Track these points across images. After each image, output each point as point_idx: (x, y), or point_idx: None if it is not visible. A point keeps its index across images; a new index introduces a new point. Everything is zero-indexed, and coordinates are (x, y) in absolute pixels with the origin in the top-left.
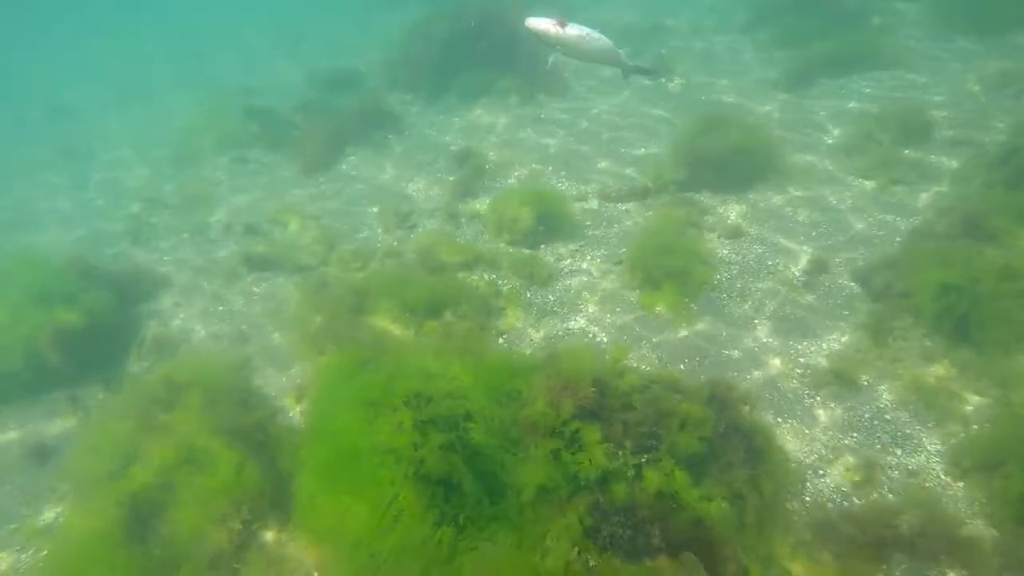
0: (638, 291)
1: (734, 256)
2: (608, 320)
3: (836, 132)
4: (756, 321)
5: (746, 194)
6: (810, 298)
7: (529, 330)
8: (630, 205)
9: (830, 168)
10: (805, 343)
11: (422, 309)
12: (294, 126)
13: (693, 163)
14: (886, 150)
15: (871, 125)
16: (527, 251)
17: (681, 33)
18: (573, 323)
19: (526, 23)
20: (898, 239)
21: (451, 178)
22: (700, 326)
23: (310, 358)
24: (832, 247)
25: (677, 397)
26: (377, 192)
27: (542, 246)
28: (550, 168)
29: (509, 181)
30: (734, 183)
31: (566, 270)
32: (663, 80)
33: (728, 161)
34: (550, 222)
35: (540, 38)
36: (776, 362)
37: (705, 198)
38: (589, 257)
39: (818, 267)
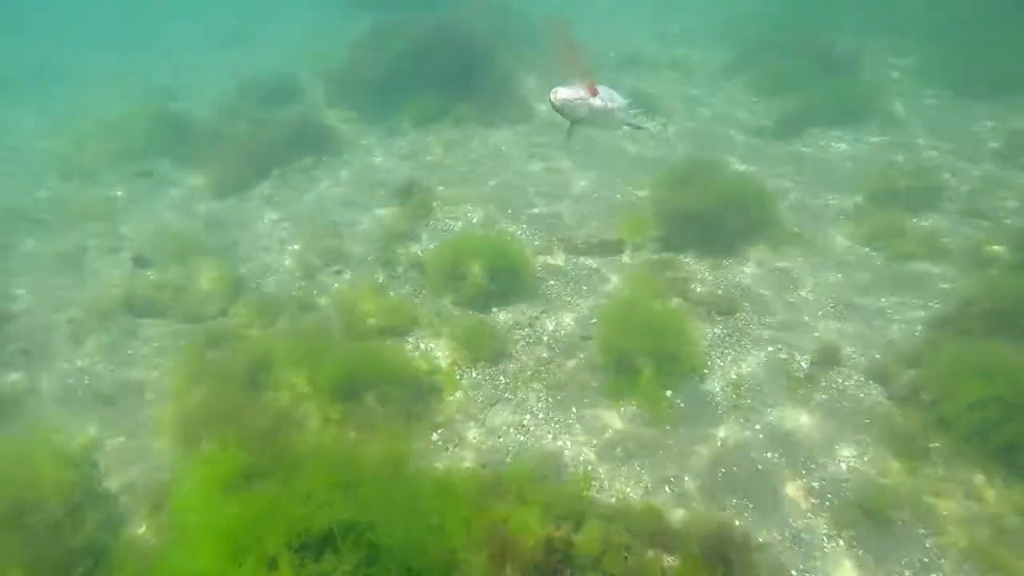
0: (610, 377)
1: (727, 337)
2: (573, 415)
3: (835, 192)
4: (756, 426)
5: (738, 258)
6: (820, 397)
7: (471, 426)
8: (602, 262)
9: (831, 233)
10: (819, 460)
11: (337, 388)
12: (215, 138)
13: (675, 216)
14: (893, 217)
15: (875, 186)
16: (475, 315)
17: (658, 67)
18: (528, 417)
19: (552, 97)
20: (919, 328)
21: (390, 215)
22: (685, 432)
23: (180, 450)
24: (842, 332)
25: (666, 559)
26: (301, 225)
27: (494, 309)
28: (509, 211)
29: (459, 224)
30: (724, 243)
31: (522, 343)
32: (649, 126)
33: (716, 217)
34: (506, 279)
35: (567, 112)
36: (788, 488)
37: (690, 260)
38: (551, 327)
39: (827, 358)
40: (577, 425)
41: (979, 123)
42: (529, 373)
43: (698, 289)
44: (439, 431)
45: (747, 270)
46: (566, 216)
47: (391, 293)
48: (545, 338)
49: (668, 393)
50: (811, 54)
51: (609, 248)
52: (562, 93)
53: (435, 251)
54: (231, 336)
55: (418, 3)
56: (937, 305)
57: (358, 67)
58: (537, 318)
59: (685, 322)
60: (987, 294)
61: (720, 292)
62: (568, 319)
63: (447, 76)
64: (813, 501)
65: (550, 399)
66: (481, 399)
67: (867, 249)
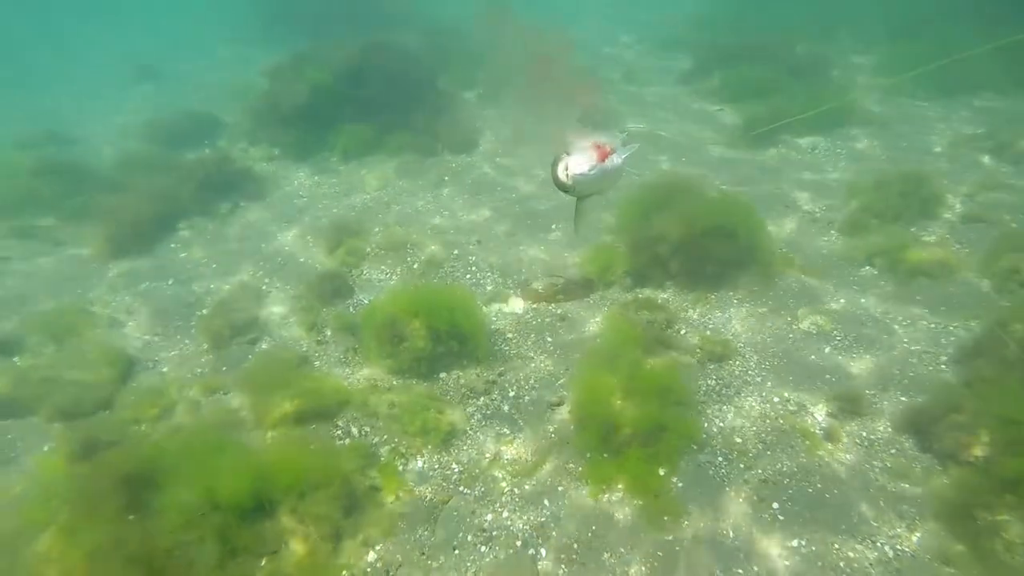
0: (589, 457)
1: (723, 390)
2: (547, 512)
3: (821, 203)
4: (775, 506)
5: (727, 291)
6: (847, 459)
7: (419, 537)
8: (568, 307)
9: (826, 252)
10: (856, 547)
11: (243, 504)
12: (114, 188)
13: (650, 247)
14: (892, 230)
15: (867, 197)
16: (419, 385)
17: (613, 81)
18: (491, 518)
19: (561, 173)
20: (944, 360)
21: (317, 266)
22: (688, 524)
23: None
24: (856, 371)
25: None
26: (213, 285)
27: (442, 375)
28: (455, 252)
29: (397, 273)
30: (709, 275)
31: (478, 416)
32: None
33: (698, 246)
34: (454, 337)
35: (581, 189)
36: None
37: (671, 297)
38: (513, 392)
39: (846, 408)
40: (553, 527)
41: (962, 123)
42: (488, 457)
43: (683, 332)
44: (377, 549)
45: (738, 304)
46: (522, 255)
47: (316, 364)
48: (506, 408)
49: (662, 472)
50: (773, 57)
51: (576, 289)
52: (576, 166)
53: (369, 309)
54: (110, 436)
55: (345, 27)
56: (960, 329)
57: (279, 100)
58: (494, 383)
59: (673, 375)
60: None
61: (709, 334)
62: (532, 381)
63: (380, 103)
64: None
65: (516, 490)
66: (429, 497)
67: (868, 267)
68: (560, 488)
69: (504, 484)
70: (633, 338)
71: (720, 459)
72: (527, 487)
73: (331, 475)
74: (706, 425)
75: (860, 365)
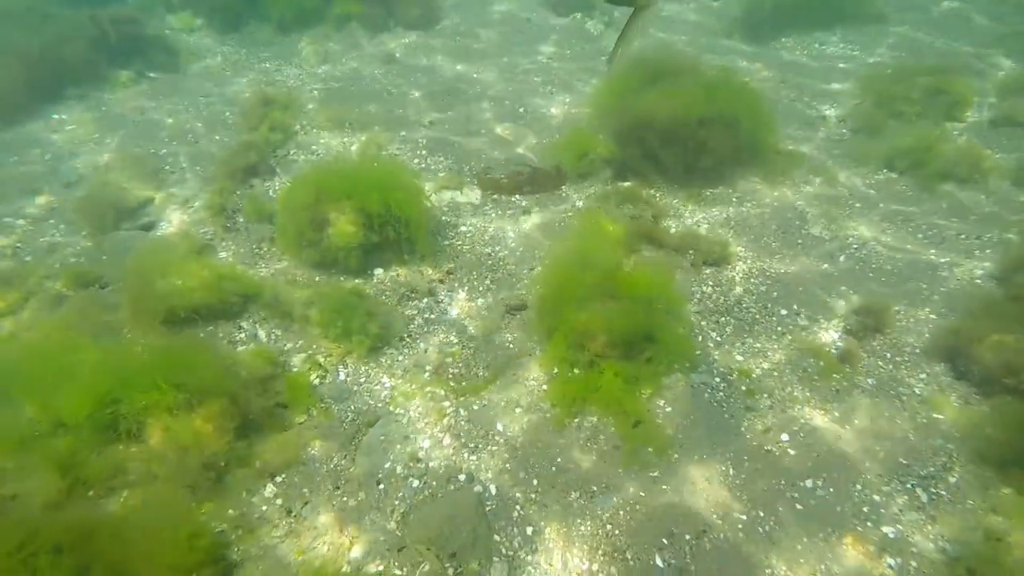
0: (555, 371)
1: (721, 299)
2: (500, 440)
3: (832, 101)
4: (784, 437)
5: (725, 188)
6: (867, 384)
7: (332, 465)
8: (533, 200)
9: (837, 152)
10: (882, 489)
11: (93, 421)
12: None
13: (636, 132)
14: (912, 129)
15: (884, 88)
16: (348, 281)
17: None
18: (428, 445)
19: None
20: (979, 276)
21: (234, 144)
22: (677, 458)
23: None
24: (875, 283)
25: None
26: (102, 161)
27: (377, 272)
28: (402, 133)
29: (330, 155)
30: (704, 168)
31: (419, 321)
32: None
33: (691, 134)
34: (394, 226)
35: None
36: (847, 541)
37: (659, 193)
38: (463, 295)
39: (865, 324)
40: (507, 459)
41: (993, 22)
42: (428, 371)
43: (673, 230)
44: (276, 481)
45: (737, 203)
46: (484, 139)
47: (223, 254)
48: (453, 312)
49: (647, 397)
50: None
51: (544, 179)
52: None
53: (289, 187)
54: None
55: None
56: (994, 241)
57: None
58: (441, 282)
59: (661, 278)
60: None
61: (704, 233)
62: (488, 282)
63: None
64: (889, 563)
65: (462, 412)
66: (351, 417)
67: (886, 171)
68: (517, 410)
69: (447, 404)
70: (614, 233)
71: (718, 380)
72: (475, 408)
73: (230, 382)
74: (701, 339)
75: (879, 277)
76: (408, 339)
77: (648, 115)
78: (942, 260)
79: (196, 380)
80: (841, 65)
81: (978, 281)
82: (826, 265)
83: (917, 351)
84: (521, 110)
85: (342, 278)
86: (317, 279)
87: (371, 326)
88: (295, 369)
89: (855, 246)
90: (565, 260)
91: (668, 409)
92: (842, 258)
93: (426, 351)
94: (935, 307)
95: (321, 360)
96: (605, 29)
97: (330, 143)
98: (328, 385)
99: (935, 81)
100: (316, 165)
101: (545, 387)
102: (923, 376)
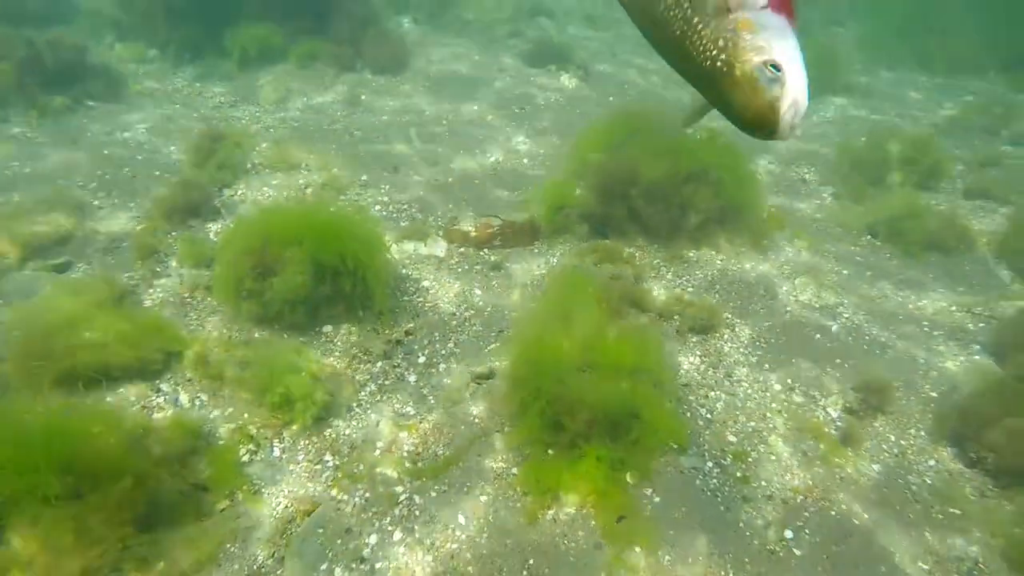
0: (527, 452)
1: (710, 371)
2: (462, 536)
3: (809, 164)
4: (788, 534)
5: (708, 251)
6: (872, 470)
7: (260, 566)
8: (506, 254)
9: (819, 216)
10: None
11: None
12: None
13: (617, 189)
14: (895, 195)
15: (861, 155)
16: (292, 339)
17: (571, 16)
18: (373, 540)
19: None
20: (976, 351)
21: (175, 180)
22: (668, 560)
23: None
24: (869, 357)
25: None
26: (16, 195)
27: (327, 329)
28: (363, 177)
29: (283, 197)
30: (684, 228)
31: (371, 389)
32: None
33: (677, 191)
34: (350, 279)
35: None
36: None
37: (640, 252)
38: (423, 359)
39: (867, 400)
40: (469, 559)
41: (950, 97)
42: (380, 448)
43: (655, 292)
44: None
45: (723, 265)
46: (451, 188)
47: (148, 303)
48: (411, 379)
49: (631, 480)
50: None
51: (517, 232)
52: (795, 76)
53: (233, 230)
54: None
55: None
56: (984, 314)
57: None
58: (399, 343)
59: (648, 347)
60: None
61: (689, 298)
62: (451, 345)
63: (295, 4)
64: None
65: (417, 499)
66: (283, 503)
67: (870, 237)
68: (483, 498)
69: (400, 489)
70: (593, 294)
71: (710, 465)
72: (433, 494)
73: (121, 464)
74: (689, 416)
75: (873, 350)
76: (358, 409)
77: (631, 169)
78: (936, 332)
79: (91, 458)
80: (815, 130)
81: (976, 357)
82: (819, 336)
83: (923, 433)
84: (492, 160)
85: (286, 335)
86: (257, 335)
87: (316, 392)
88: (221, 442)
89: (846, 315)
90: (541, 323)
91: (656, 499)
92: (834, 328)
93: (378, 424)
94: (935, 384)
95: (253, 432)
96: (580, 83)
97: (284, 185)
98: (259, 463)
99: (909, 149)
100: (265, 207)
101: (515, 471)
102: (932, 463)
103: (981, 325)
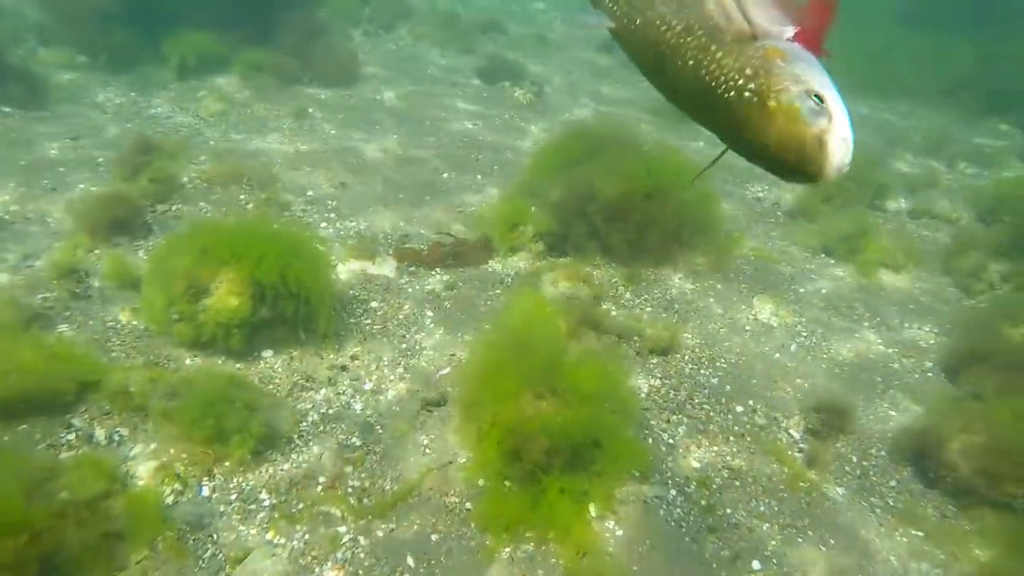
0: (482, 485)
1: (671, 393)
2: None
3: (761, 182)
4: (754, 564)
5: (666, 270)
6: (837, 493)
7: None
8: (458, 274)
9: (773, 235)
10: None
11: None
12: None
13: (575, 207)
14: (847, 215)
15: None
16: (228, 365)
17: (523, 38)
18: None
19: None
20: (929, 368)
21: (99, 194)
22: None
23: None
24: (830, 376)
25: None
26: None
27: (266, 354)
28: (309, 194)
29: (222, 214)
30: (644, 247)
31: (314, 417)
32: (507, 85)
33: (637, 209)
34: (289, 298)
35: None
36: None
37: (597, 270)
38: (370, 384)
39: (829, 421)
40: None
41: (899, 119)
42: (321, 484)
43: (614, 313)
44: None
45: (680, 284)
46: (404, 205)
47: (63, 327)
48: (358, 407)
49: (594, 513)
50: None
51: (470, 251)
52: (840, 121)
53: (165, 247)
54: None
55: None
56: (935, 331)
57: None
58: (345, 368)
59: (613, 374)
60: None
61: (648, 318)
62: (401, 370)
63: (239, 11)
64: None
65: (362, 541)
66: (211, 551)
67: (824, 255)
68: (434, 537)
69: (343, 530)
70: (551, 315)
71: (674, 493)
72: (380, 534)
73: (13, 515)
74: (651, 441)
75: (832, 369)
76: (299, 441)
77: (590, 187)
78: (890, 351)
79: None
80: None
81: (929, 375)
82: (778, 355)
83: (883, 454)
84: (445, 176)
85: (221, 361)
86: (188, 362)
87: (253, 424)
88: (141, 483)
89: (804, 334)
90: (498, 346)
91: (619, 532)
92: (793, 347)
93: (321, 457)
94: (893, 402)
95: (180, 470)
96: (534, 99)
97: (224, 200)
98: (186, 505)
99: (856, 170)
100: (200, 222)
101: (470, 506)
102: (893, 484)
103: (932, 343)
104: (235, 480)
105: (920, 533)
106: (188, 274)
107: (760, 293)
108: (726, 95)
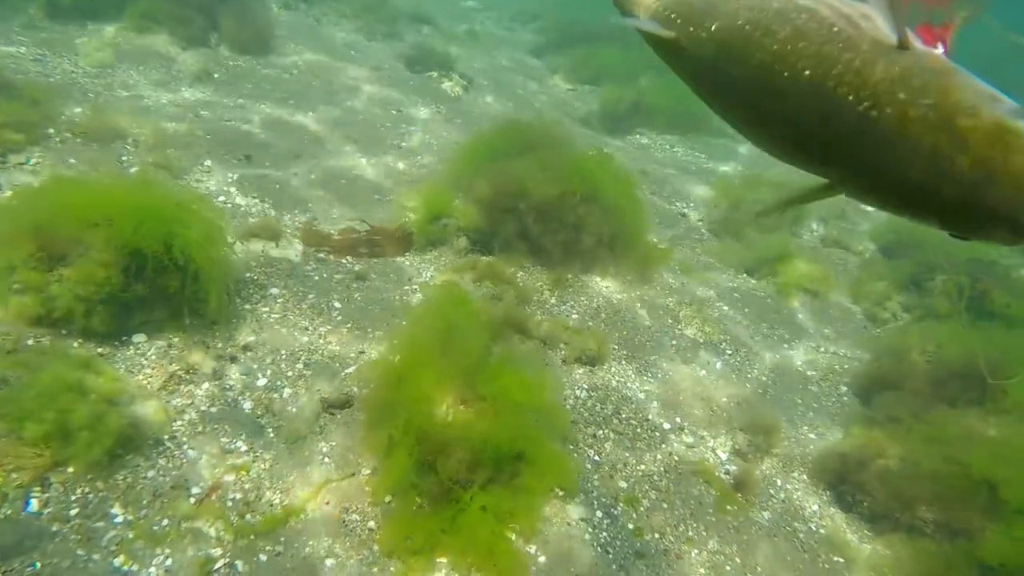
0: (390, 501)
1: (597, 407)
2: None
3: (689, 204)
4: None
5: (593, 277)
6: (763, 518)
7: None
8: (371, 264)
9: (698, 251)
10: None
11: None
12: None
13: (504, 203)
14: (771, 238)
15: (740, 196)
16: (85, 348)
17: (455, 34)
18: None
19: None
20: (844, 392)
21: None
22: None
23: None
24: (754, 396)
25: None
26: None
27: (137, 339)
28: (207, 163)
29: (92, 166)
30: (576, 253)
31: (192, 416)
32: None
33: (572, 210)
34: (172, 271)
35: None
36: None
37: (523, 271)
38: (263, 380)
39: (755, 441)
40: None
41: None
42: (196, 495)
43: (539, 317)
44: None
45: (608, 293)
46: (314, 183)
47: None
48: (247, 405)
49: (514, 536)
50: (628, 38)
51: (386, 240)
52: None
53: (10, 203)
54: None
55: None
56: (848, 356)
57: None
58: (235, 360)
59: (539, 381)
60: (918, 342)
61: (575, 325)
62: (300, 366)
63: None
64: None
65: (240, 566)
66: None
67: (746, 275)
68: (330, 562)
69: (217, 552)
70: (474, 314)
71: (600, 515)
72: (263, 558)
73: None
74: (576, 456)
75: (756, 389)
76: (170, 444)
77: (521, 184)
78: (810, 373)
79: None
80: (692, 169)
81: (844, 398)
82: (703, 372)
83: (805, 477)
84: (364, 161)
85: (77, 343)
86: (31, 342)
87: (108, 420)
88: None
89: (728, 352)
90: (415, 343)
91: (542, 559)
92: (718, 365)
93: (197, 463)
94: (812, 425)
95: (8, 478)
96: (463, 92)
97: (100, 159)
98: (4, 524)
99: (778, 193)
100: (62, 178)
101: (374, 525)
102: (815, 508)
103: (846, 367)
104: (79, 491)
105: (841, 559)
106: (39, 235)
107: (687, 307)
108: (871, 112)
